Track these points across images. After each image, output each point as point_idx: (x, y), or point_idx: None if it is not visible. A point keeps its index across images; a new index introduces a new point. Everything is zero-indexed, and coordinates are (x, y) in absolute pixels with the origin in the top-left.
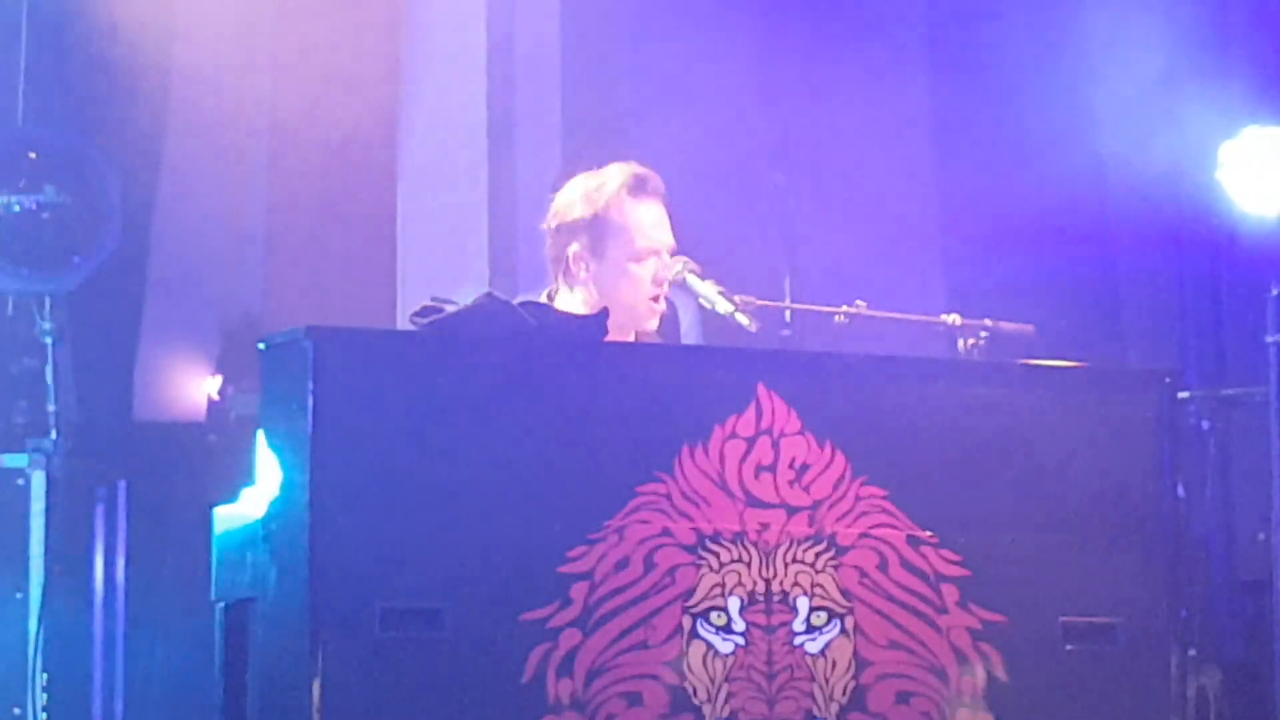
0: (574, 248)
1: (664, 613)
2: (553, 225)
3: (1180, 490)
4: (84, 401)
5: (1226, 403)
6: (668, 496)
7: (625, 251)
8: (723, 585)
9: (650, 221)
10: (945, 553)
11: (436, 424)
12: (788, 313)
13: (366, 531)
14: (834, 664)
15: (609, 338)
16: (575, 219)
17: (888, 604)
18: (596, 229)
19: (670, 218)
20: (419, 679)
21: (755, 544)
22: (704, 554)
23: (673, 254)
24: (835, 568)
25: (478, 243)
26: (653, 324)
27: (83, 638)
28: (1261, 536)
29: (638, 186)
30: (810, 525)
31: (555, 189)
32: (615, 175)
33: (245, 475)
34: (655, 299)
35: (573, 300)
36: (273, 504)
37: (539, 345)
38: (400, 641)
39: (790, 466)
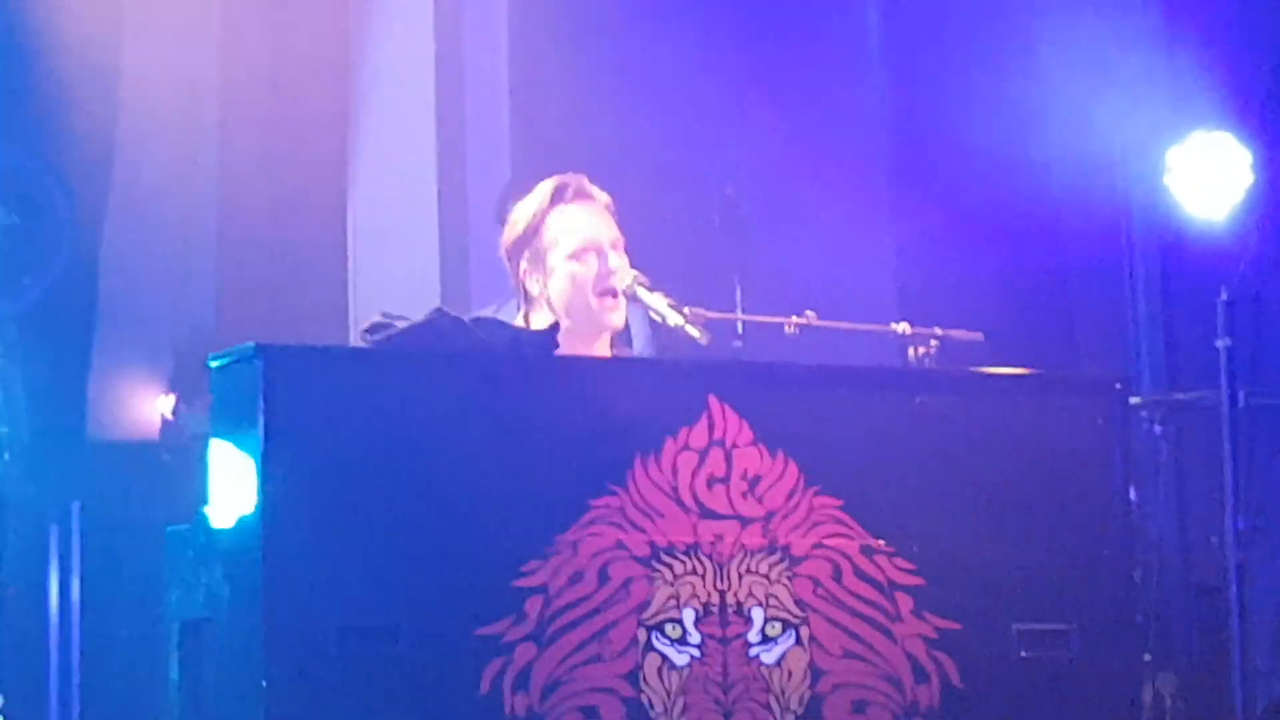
0: (523, 265)
1: (619, 626)
2: (502, 254)
3: (1133, 495)
4: (36, 422)
5: (1178, 407)
6: (621, 509)
7: (562, 255)
8: (677, 597)
9: (578, 222)
10: (899, 561)
11: (388, 440)
12: (739, 324)
13: (320, 549)
14: (789, 674)
15: (583, 351)
16: (515, 238)
17: (842, 614)
18: (534, 242)
19: (615, 216)
20: (375, 696)
21: (709, 556)
22: (658, 566)
23: (616, 247)
24: (789, 578)
25: (429, 257)
26: (617, 318)
27: (38, 659)
28: (1215, 540)
29: (559, 193)
30: (764, 536)
31: (501, 202)
32: (542, 188)
33: (199, 494)
34: (607, 294)
35: (542, 320)
36: (224, 523)
37: (490, 360)
38: (355, 658)
39: (743, 478)
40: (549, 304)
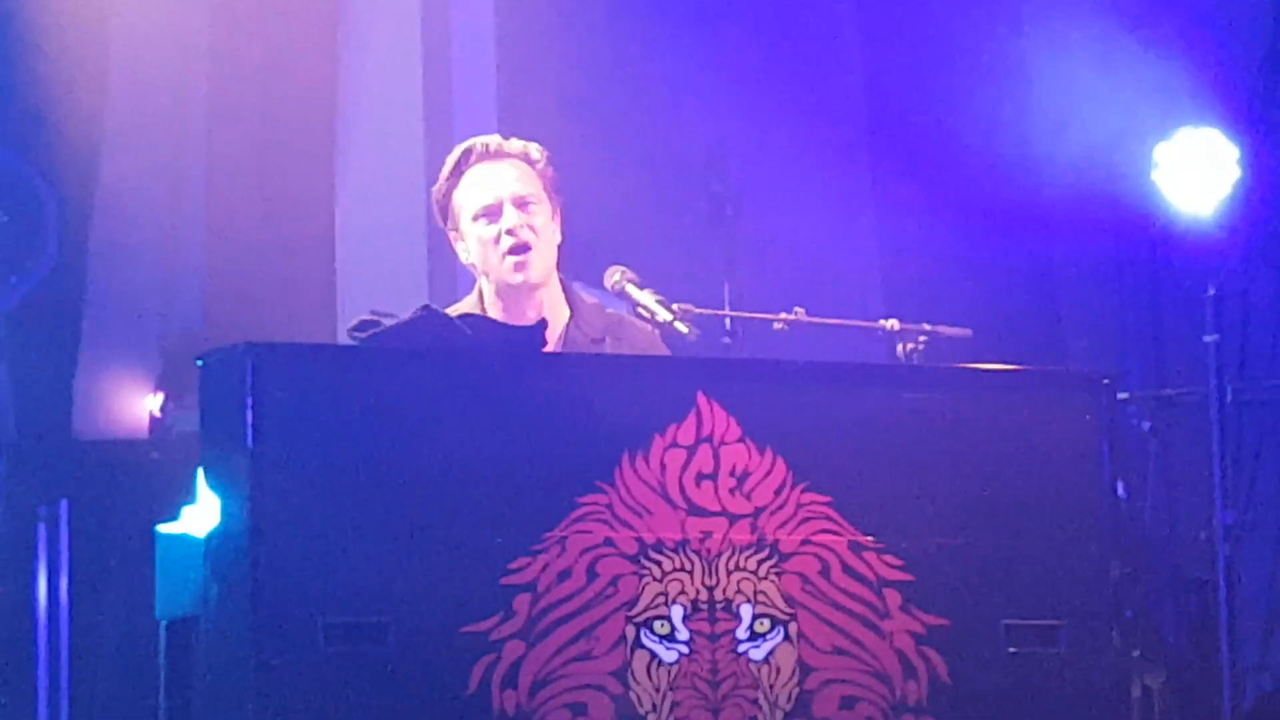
0: (451, 237)
1: (607, 622)
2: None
3: (1122, 491)
4: (24, 421)
5: (1166, 403)
6: (609, 506)
7: (467, 219)
8: (666, 594)
9: (476, 184)
10: (887, 558)
11: (376, 438)
12: (727, 320)
13: (308, 547)
14: (778, 671)
15: (517, 312)
16: (438, 213)
17: (831, 610)
18: (447, 212)
19: (540, 165)
20: (363, 694)
21: (697, 552)
22: (646, 563)
23: (520, 203)
24: (778, 575)
25: (416, 254)
26: (520, 275)
27: (27, 657)
28: (1203, 535)
29: (461, 161)
30: (752, 532)
31: None
32: (448, 159)
33: (187, 492)
34: (511, 250)
35: (482, 286)
36: (213, 520)
37: (477, 357)
38: (344, 656)
39: (731, 474)
40: (475, 269)
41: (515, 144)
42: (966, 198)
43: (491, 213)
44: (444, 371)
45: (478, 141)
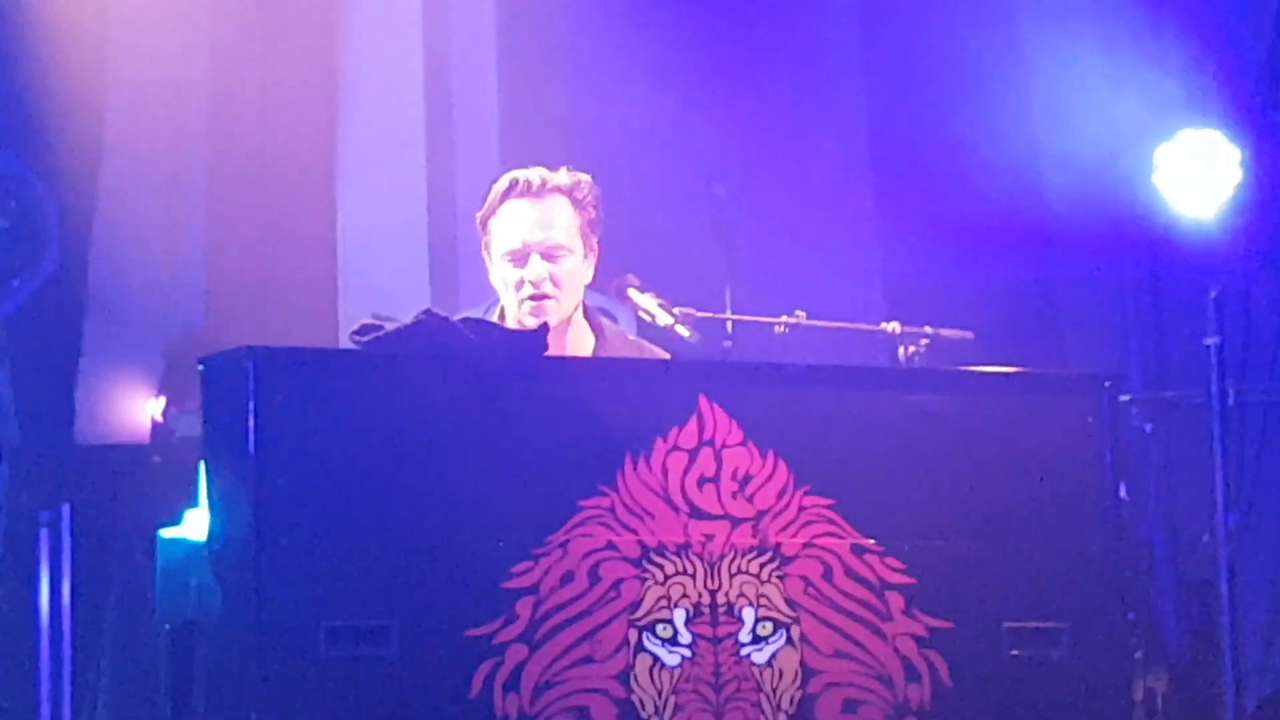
0: (484, 257)
1: (609, 626)
2: None
3: (1124, 493)
4: (26, 425)
5: (1168, 405)
6: (611, 510)
7: (497, 254)
8: (668, 597)
9: (511, 221)
10: (890, 561)
11: (378, 442)
12: (728, 324)
13: (310, 550)
14: (781, 674)
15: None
16: (478, 225)
17: (833, 613)
18: (485, 233)
19: (585, 203)
20: (365, 697)
21: (700, 556)
22: (649, 567)
23: (550, 255)
24: (780, 578)
25: (418, 258)
26: (531, 321)
27: (29, 662)
28: (1206, 537)
29: (508, 190)
30: (754, 536)
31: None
32: (500, 182)
33: (189, 497)
34: (530, 299)
35: (504, 306)
36: (215, 525)
37: (479, 361)
38: (346, 660)
39: (733, 478)
40: (498, 291)
41: (563, 177)
42: (966, 201)
43: (518, 258)
44: (446, 375)
45: (524, 175)
